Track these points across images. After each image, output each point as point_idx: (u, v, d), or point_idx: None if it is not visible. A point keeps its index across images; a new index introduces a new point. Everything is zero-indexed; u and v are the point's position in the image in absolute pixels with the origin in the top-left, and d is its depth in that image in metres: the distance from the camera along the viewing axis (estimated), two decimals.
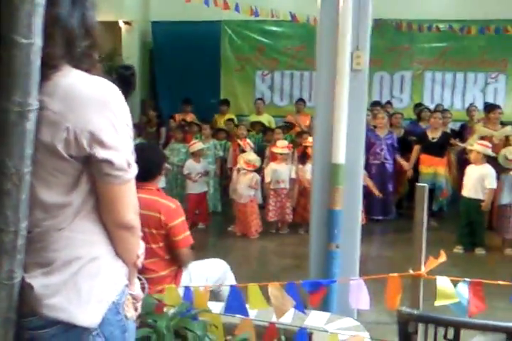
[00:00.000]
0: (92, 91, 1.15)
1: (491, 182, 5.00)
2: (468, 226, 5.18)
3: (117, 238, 1.25)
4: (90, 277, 1.19)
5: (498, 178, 5.09)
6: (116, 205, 1.21)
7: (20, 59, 1.05)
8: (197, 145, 6.02)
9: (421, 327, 1.49)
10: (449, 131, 6.73)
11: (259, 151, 6.47)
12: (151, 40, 9.45)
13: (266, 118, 8.00)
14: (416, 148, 6.27)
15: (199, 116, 7.99)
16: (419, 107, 7.79)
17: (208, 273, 2.96)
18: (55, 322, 1.16)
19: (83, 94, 1.14)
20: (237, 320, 2.36)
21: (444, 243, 4.62)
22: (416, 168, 6.30)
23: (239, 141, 6.24)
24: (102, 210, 1.22)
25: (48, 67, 1.12)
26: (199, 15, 7.97)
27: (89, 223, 1.22)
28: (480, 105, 8.04)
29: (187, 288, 2.43)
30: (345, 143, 3.31)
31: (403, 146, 6.53)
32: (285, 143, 5.96)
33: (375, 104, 7.76)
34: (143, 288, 1.48)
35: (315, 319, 2.66)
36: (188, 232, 2.85)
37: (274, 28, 9.10)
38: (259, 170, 5.92)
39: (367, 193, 5.57)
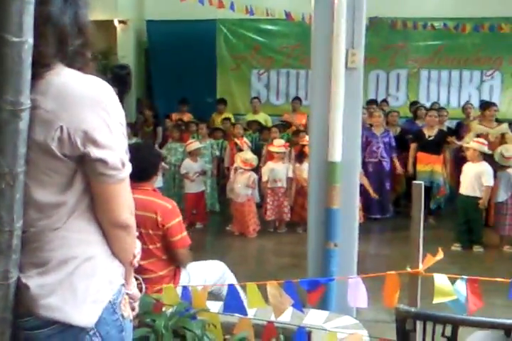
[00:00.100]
0: (85, 89, 1.14)
1: (488, 180, 5.00)
2: (465, 223, 5.19)
3: (113, 237, 1.25)
4: (86, 277, 1.19)
5: (495, 176, 5.10)
6: (111, 204, 1.21)
7: (11, 57, 1.05)
8: (194, 144, 6.01)
9: (419, 324, 1.49)
10: (445, 129, 6.73)
11: (256, 150, 6.47)
12: (147, 39, 9.44)
13: (262, 117, 8.00)
14: (413, 146, 6.27)
15: (195, 115, 7.98)
16: (415, 105, 7.80)
17: (207, 274, 2.94)
18: (52, 323, 1.16)
19: (76, 92, 1.13)
20: (235, 319, 2.36)
21: (442, 241, 4.63)
22: (413, 166, 6.30)
23: (236, 140, 6.24)
24: (97, 210, 1.21)
25: (41, 66, 1.12)
26: (194, 14, 7.96)
27: (84, 222, 1.21)
28: (476, 103, 8.06)
29: (185, 288, 2.42)
30: (342, 142, 3.31)
31: (400, 144, 6.53)
32: (282, 141, 5.96)
33: (371, 103, 7.76)
34: (140, 288, 1.47)
35: (314, 317, 2.66)
36: (185, 233, 2.84)
37: (270, 27, 9.10)
38: (257, 169, 5.91)
39: (364, 192, 5.58)
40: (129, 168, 1.22)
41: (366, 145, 6.24)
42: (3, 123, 1.07)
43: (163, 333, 2.04)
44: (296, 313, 2.49)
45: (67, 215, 1.18)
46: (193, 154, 5.99)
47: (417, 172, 6.18)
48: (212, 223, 6.23)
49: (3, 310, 1.15)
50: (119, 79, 8.37)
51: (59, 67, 1.15)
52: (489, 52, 8.81)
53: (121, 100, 1.22)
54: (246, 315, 2.31)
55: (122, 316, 1.24)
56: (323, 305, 3.08)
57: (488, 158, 5.18)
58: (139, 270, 2.26)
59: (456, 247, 5.15)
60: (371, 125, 6.53)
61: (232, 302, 2.28)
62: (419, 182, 2.00)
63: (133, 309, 1.36)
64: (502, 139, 5.86)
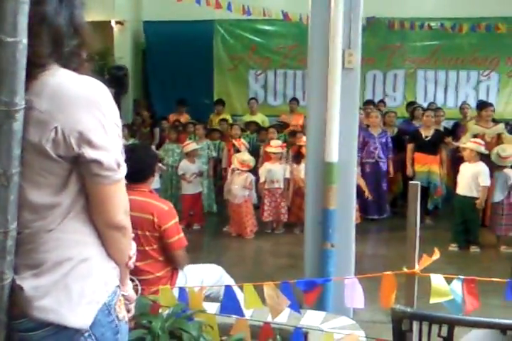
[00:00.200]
0: (81, 90, 1.14)
1: (485, 180, 5.01)
2: (462, 224, 5.20)
3: (108, 238, 1.24)
4: (81, 278, 1.18)
5: (492, 176, 5.11)
6: (106, 206, 1.20)
7: (5, 58, 1.04)
8: (191, 145, 6.00)
9: (415, 325, 1.49)
10: (442, 129, 6.74)
11: (254, 151, 6.47)
12: (144, 39, 9.43)
13: (260, 118, 8.00)
14: (410, 147, 6.27)
15: (193, 116, 7.98)
16: (412, 106, 7.81)
17: (204, 277, 2.93)
18: (46, 324, 1.15)
19: (71, 93, 1.13)
20: (232, 320, 2.35)
21: (439, 241, 4.63)
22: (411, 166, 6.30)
23: (234, 141, 6.23)
24: (92, 211, 1.21)
25: (36, 66, 1.11)
26: (191, 14, 7.96)
27: (79, 224, 1.20)
28: (473, 103, 8.07)
29: (182, 289, 2.42)
30: (338, 142, 3.31)
31: (397, 145, 6.54)
32: (279, 142, 5.96)
33: (368, 103, 7.77)
34: (136, 290, 1.47)
35: (310, 318, 2.66)
36: (181, 234, 2.83)
37: (267, 27, 9.10)
38: (254, 170, 5.91)
39: (360, 192, 5.58)
40: (124, 169, 1.21)
41: (363, 145, 6.25)
42: None
43: (160, 334, 2.03)
44: (293, 314, 2.48)
45: (61, 216, 1.18)
46: (191, 155, 5.98)
47: (414, 172, 6.18)
48: (210, 224, 6.22)
49: None
50: (116, 80, 8.36)
51: (54, 68, 1.15)
52: (486, 53, 8.83)
53: (118, 101, 1.22)
54: (243, 316, 2.30)
55: (117, 318, 1.23)
56: (320, 305, 3.07)
57: (484, 158, 5.18)
58: (136, 271, 2.26)
59: (453, 247, 5.16)
60: (368, 125, 6.54)
61: (229, 304, 2.28)
62: (416, 183, 2.00)
63: (128, 311, 1.36)
64: (498, 139, 5.87)
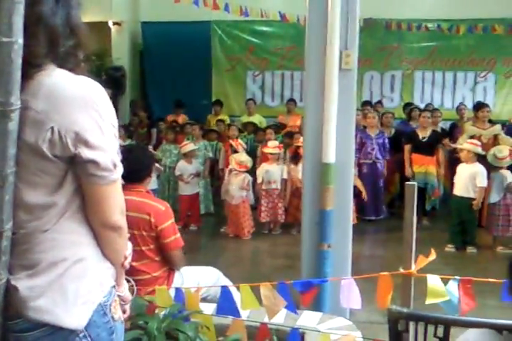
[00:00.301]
0: (77, 90, 1.14)
1: (482, 181, 5.02)
2: (459, 224, 5.20)
3: (104, 239, 1.24)
4: (76, 278, 1.18)
5: (488, 177, 5.12)
6: (102, 206, 1.20)
7: (1, 58, 1.04)
8: (188, 146, 6.00)
9: (411, 325, 1.49)
10: (439, 130, 6.75)
11: (251, 152, 6.46)
12: (141, 40, 9.42)
13: (257, 119, 8.00)
14: (407, 148, 6.28)
15: (190, 117, 7.97)
16: (409, 107, 7.82)
17: (201, 279, 2.92)
18: (41, 325, 1.15)
19: (67, 93, 1.12)
20: (228, 320, 2.35)
21: (436, 242, 4.64)
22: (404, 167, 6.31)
23: (231, 142, 6.23)
24: (88, 211, 1.21)
25: (32, 66, 1.11)
26: (189, 15, 7.96)
27: (75, 224, 1.20)
28: (470, 104, 8.09)
29: (178, 290, 2.41)
30: (336, 143, 3.31)
31: (394, 146, 6.54)
32: (276, 143, 5.96)
33: (365, 104, 7.78)
34: (132, 290, 1.47)
35: (307, 319, 2.66)
36: (178, 234, 2.83)
37: (264, 28, 9.11)
38: (252, 171, 5.90)
39: (357, 193, 5.59)
40: (120, 169, 1.21)
41: (361, 146, 6.25)
42: None
43: (156, 335, 2.03)
44: (290, 315, 2.48)
45: (57, 216, 1.17)
46: (188, 156, 5.98)
47: (413, 173, 6.19)
48: (207, 225, 6.22)
49: None
50: (113, 81, 8.35)
51: (50, 68, 1.15)
52: (483, 54, 8.85)
53: (116, 102, 1.22)
54: (239, 316, 2.30)
55: (113, 318, 1.23)
56: (316, 306, 3.08)
57: (481, 159, 5.19)
58: (132, 271, 2.26)
59: (449, 248, 5.16)
60: (365, 126, 6.54)
61: (225, 304, 2.28)
62: (412, 183, 2.01)
63: (124, 311, 1.36)
64: (495, 140, 5.88)
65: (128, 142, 6.53)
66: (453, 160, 6.17)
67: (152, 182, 4.01)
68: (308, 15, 3.38)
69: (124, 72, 8.91)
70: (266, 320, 2.30)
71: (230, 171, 5.73)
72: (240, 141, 6.34)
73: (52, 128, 1.10)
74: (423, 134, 6.19)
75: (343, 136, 3.35)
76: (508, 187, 5.10)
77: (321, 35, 3.28)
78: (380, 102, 8.45)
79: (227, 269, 3.24)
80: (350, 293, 2.16)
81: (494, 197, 5.16)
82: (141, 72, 9.69)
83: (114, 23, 8.89)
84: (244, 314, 2.39)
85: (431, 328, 1.47)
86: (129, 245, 1.36)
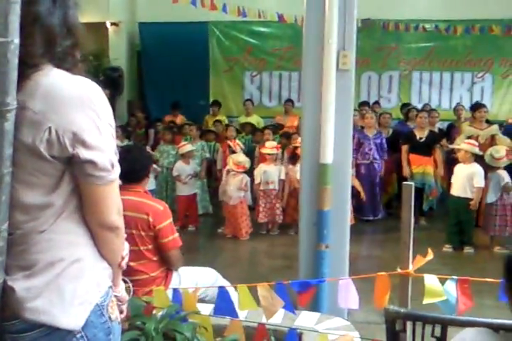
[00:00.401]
0: (74, 90, 1.14)
1: (479, 181, 5.03)
2: (457, 225, 5.21)
3: (101, 239, 1.24)
4: (73, 279, 1.18)
5: (486, 177, 5.13)
6: (99, 206, 1.20)
7: None
8: (187, 147, 5.99)
9: (409, 325, 1.49)
10: (437, 130, 6.76)
11: (249, 152, 6.46)
12: (139, 41, 9.42)
13: (255, 120, 8.00)
14: (404, 148, 6.28)
15: (188, 117, 7.97)
16: (406, 107, 7.83)
17: (199, 280, 2.92)
18: (38, 325, 1.14)
19: (65, 93, 1.12)
20: (226, 321, 2.35)
21: (434, 242, 4.64)
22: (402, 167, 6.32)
23: (229, 142, 6.23)
24: (86, 211, 1.21)
25: (29, 66, 1.11)
26: (186, 16, 7.96)
27: (72, 224, 1.20)
28: (467, 104, 8.10)
29: (176, 290, 2.41)
30: (333, 143, 3.31)
31: (391, 146, 6.55)
32: (274, 143, 5.96)
33: (363, 104, 7.79)
34: (128, 290, 1.46)
35: (305, 319, 2.66)
36: (176, 234, 2.83)
37: (262, 29, 9.11)
38: (250, 172, 5.90)
39: (355, 193, 5.59)
40: (118, 169, 1.21)
41: (358, 146, 6.26)
42: None
43: (154, 336, 2.03)
44: (288, 315, 2.48)
45: (54, 217, 1.17)
46: (186, 156, 5.97)
47: (411, 173, 6.20)
48: (205, 225, 6.21)
49: None
50: (111, 81, 8.34)
51: (47, 68, 1.15)
52: (480, 54, 8.88)
53: (113, 103, 1.21)
54: (237, 317, 2.30)
55: (110, 319, 1.23)
56: (314, 306, 3.07)
57: (478, 159, 5.20)
58: (130, 271, 2.25)
59: (447, 248, 5.17)
60: (363, 127, 6.55)
61: (223, 305, 2.28)
62: (410, 183, 2.01)
63: (121, 312, 1.35)
64: (492, 141, 5.89)
65: (126, 143, 6.53)
66: (450, 161, 6.18)
67: (150, 183, 4.00)
68: (306, 16, 3.38)
69: (121, 72, 8.90)
70: (264, 320, 2.30)
71: (228, 172, 5.73)
72: (237, 141, 6.34)
73: (49, 128, 1.10)
74: (420, 134, 6.20)
75: (341, 136, 3.35)
76: (505, 188, 5.11)
77: (319, 35, 3.28)
78: (377, 103, 8.46)
79: (225, 270, 3.24)
80: (347, 293, 2.16)
81: (491, 197, 5.17)
82: (138, 73, 9.69)
83: (112, 24, 8.89)
84: (242, 314, 2.39)
85: (428, 328, 1.47)
86: (126, 245, 1.36)
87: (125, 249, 1.34)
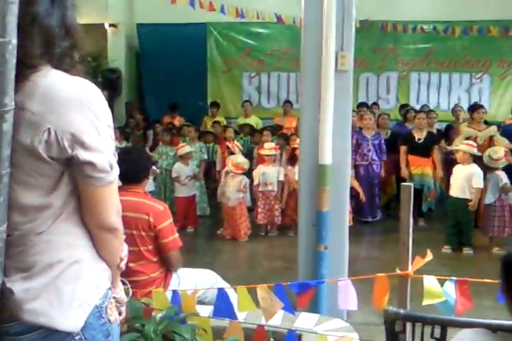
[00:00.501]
0: (73, 91, 1.13)
1: (478, 182, 5.03)
2: (455, 226, 5.21)
3: (100, 240, 1.23)
4: (72, 280, 1.17)
5: (484, 178, 5.13)
6: (98, 207, 1.19)
7: None
8: (185, 148, 5.99)
9: (408, 326, 1.49)
10: (435, 131, 6.76)
11: (248, 154, 6.46)
12: (137, 42, 9.42)
13: (254, 121, 8.00)
14: (403, 149, 6.29)
15: (186, 118, 7.97)
16: (405, 108, 7.83)
17: (198, 281, 2.91)
18: (36, 327, 1.14)
19: (63, 94, 1.12)
20: (225, 323, 2.34)
21: (433, 243, 4.63)
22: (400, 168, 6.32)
23: (228, 144, 6.23)
24: (84, 212, 1.20)
25: (27, 67, 1.11)
26: (185, 17, 7.96)
27: (70, 225, 1.19)
28: (465, 105, 8.11)
29: (175, 292, 2.40)
30: (332, 144, 3.31)
31: (390, 147, 6.55)
32: (272, 144, 5.96)
33: (361, 105, 7.79)
34: (127, 292, 1.46)
35: (304, 321, 2.65)
36: (176, 234, 2.84)
37: (260, 30, 9.12)
38: (248, 173, 5.90)
39: (354, 194, 5.59)
40: (116, 171, 1.21)
41: (357, 148, 6.25)
42: None
43: (153, 338, 2.02)
44: (287, 316, 2.48)
45: (52, 218, 1.17)
46: (185, 158, 5.97)
47: (410, 174, 6.20)
48: (203, 227, 6.20)
49: None
50: (109, 83, 8.33)
51: (46, 69, 1.14)
52: (478, 55, 8.90)
53: (112, 104, 1.21)
54: (236, 318, 2.30)
55: (109, 320, 1.23)
56: (313, 308, 3.07)
57: (477, 160, 5.21)
58: (129, 272, 2.25)
59: (446, 249, 5.17)
60: (361, 128, 6.55)
61: (222, 306, 2.27)
62: (408, 184, 2.01)
63: (120, 313, 1.35)
64: (490, 142, 5.89)
65: (124, 144, 6.53)
66: (449, 162, 6.18)
67: (149, 184, 4.00)
68: (304, 17, 3.38)
69: (119, 73, 8.90)
70: (263, 322, 2.29)
71: (227, 173, 5.72)
72: (236, 142, 6.33)
73: (48, 129, 1.10)
74: (419, 135, 6.20)
75: (340, 137, 3.35)
76: (503, 188, 5.11)
77: (317, 36, 3.28)
78: (376, 104, 8.47)
79: (224, 271, 3.23)
80: (347, 295, 2.16)
81: (489, 198, 5.17)
82: (137, 74, 9.69)
83: (110, 25, 8.89)
84: (241, 316, 2.38)
85: (428, 329, 1.47)
86: (125, 247, 1.35)
87: (124, 250, 1.34)
